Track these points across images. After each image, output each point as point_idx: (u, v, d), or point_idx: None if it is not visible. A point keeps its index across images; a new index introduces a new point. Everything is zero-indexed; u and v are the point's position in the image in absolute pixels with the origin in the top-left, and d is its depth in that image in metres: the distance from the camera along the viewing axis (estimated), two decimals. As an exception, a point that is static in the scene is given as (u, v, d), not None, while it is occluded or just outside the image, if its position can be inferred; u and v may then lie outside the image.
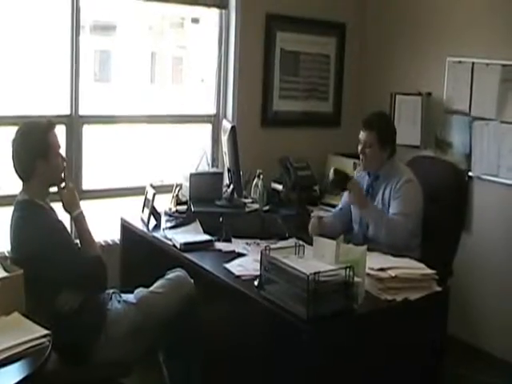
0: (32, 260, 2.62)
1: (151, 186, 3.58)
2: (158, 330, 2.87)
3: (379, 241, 3.24)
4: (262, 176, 3.94)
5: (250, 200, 3.91)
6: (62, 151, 2.91)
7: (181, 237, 3.20)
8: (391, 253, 2.97)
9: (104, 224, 3.95)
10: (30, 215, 2.74)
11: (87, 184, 3.83)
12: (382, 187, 3.38)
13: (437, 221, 3.37)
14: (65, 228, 2.85)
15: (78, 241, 2.90)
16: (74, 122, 3.72)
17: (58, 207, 2.95)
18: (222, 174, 3.94)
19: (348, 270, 2.36)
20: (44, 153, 2.75)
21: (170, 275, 3.03)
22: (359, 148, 3.41)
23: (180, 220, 3.49)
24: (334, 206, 4.01)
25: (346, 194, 3.64)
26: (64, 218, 2.91)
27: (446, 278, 3.21)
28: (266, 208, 3.86)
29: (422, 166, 3.51)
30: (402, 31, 4.50)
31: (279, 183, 4.23)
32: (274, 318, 2.48)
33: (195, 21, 4.72)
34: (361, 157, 3.43)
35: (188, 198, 3.73)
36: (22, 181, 2.81)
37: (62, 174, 2.88)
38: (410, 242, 3.30)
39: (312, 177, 4.31)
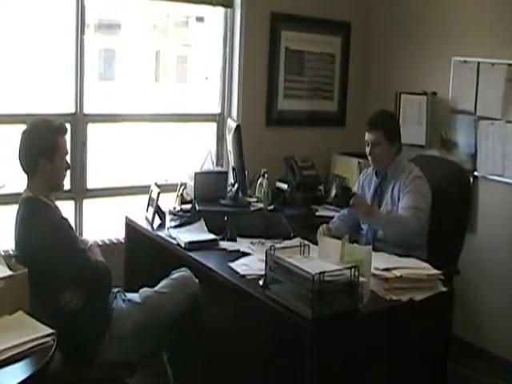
0: (37, 257, 2.62)
1: (156, 184, 3.57)
2: (162, 329, 2.86)
3: (390, 239, 3.23)
4: (266, 175, 3.94)
5: (254, 199, 3.90)
6: (68, 157, 2.88)
7: (185, 236, 3.19)
8: (399, 252, 2.97)
9: (108, 223, 3.96)
10: (36, 212, 2.73)
11: (92, 183, 3.82)
12: (390, 185, 3.37)
13: (441, 220, 3.35)
14: (70, 226, 2.83)
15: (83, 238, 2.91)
16: (79, 121, 3.71)
17: (62, 206, 2.95)
18: (226, 173, 3.93)
19: (353, 269, 2.34)
20: (50, 153, 2.74)
21: (175, 275, 3.03)
22: (367, 149, 3.39)
23: (184, 219, 3.48)
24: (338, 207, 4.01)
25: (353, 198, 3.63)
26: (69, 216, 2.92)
27: (452, 278, 3.20)
28: (271, 207, 3.86)
29: (425, 165, 3.49)
30: (407, 30, 4.49)
31: (284, 182, 4.23)
32: (279, 318, 2.47)
33: (200, 19, 4.72)
34: (370, 158, 3.41)
35: (193, 196, 3.73)
36: (27, 175, 2.79)
37: (63, 181, 2.88)
38: (418, 240, 3.29)
39: (317, 176, 4.32)
